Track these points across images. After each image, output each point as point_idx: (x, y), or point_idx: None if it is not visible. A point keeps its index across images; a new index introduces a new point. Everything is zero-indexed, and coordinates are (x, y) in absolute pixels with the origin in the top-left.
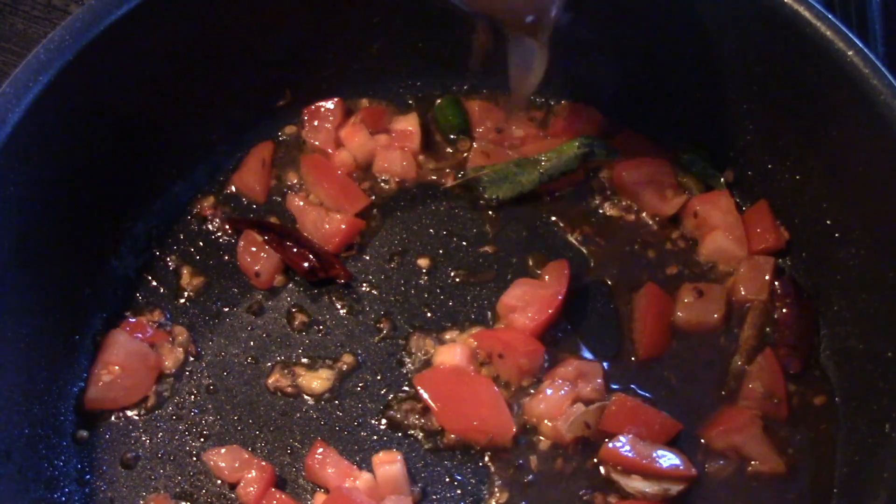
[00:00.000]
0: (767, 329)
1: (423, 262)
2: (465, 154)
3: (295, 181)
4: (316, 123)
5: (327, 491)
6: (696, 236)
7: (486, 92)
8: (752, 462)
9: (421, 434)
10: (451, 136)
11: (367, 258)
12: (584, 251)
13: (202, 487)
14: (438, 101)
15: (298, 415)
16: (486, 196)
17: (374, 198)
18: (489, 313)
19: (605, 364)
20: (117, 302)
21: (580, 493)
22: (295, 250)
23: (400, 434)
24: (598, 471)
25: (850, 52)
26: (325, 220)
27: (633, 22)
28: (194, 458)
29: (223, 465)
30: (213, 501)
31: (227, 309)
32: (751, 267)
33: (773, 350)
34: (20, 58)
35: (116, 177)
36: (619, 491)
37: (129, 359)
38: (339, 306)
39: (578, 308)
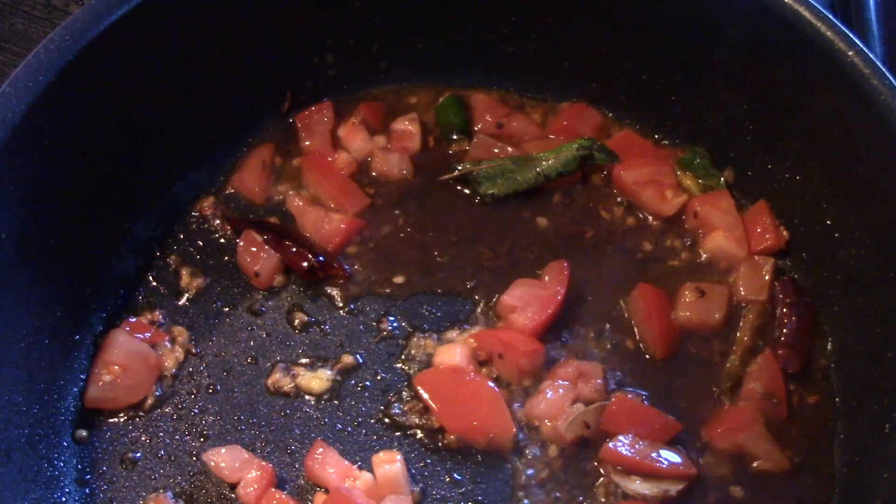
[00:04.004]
0: (766, 329)
1: (423, 263)
2: (465, 149)
3: (295, 181)
4: (310, 128)
5: (327, 491)
6: (696, 236)
7: (486, 84)
8: (756, 461)
9: (421, 434)
10: (453, 136)
11: (367, 258)
12: (584, 251)
13: (202, 487)
14: (441, 99)
15: (298, 415)
16: (481, 191)
17: (373, 198)
18: (489, 313)
19: (604, 364)
20: (117, 302)
21: (580, 493)
22: (294, 250)
23: (400, 434)
24: (598, 471)
25: (850, 53)
26: (325, 220)
27: (633, 22)
28: (194, 458)
29: (223, 465)
30: (213, 501)
31: (227, 309)
32: (751, 267)
33: (773, 350)
34: (20, 58)
35: (116, 177)
36: (619, 491)
37: (129, 359)
38: (339, 306)
39: (578, 308)
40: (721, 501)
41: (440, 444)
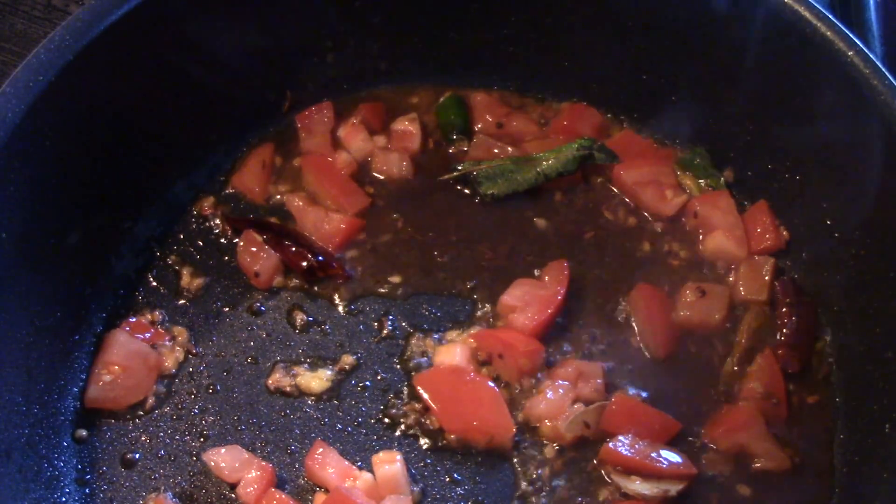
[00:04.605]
0: (766, 329)
1: (423, 262)
2: (465, 149)
3: (295, 182)
4: (310, 128)
5: (327, 491)
6: (696, 236)
7: (486, 84)
8: (758, 460)
9: (421, 434)
10: (453, 136)
11: (367, 258)
12: (584, 251)
13: (202, 487)
14: (441, 99)
15: (298, 415)
16: (481, 191)
17: (373, 198)
18: (489, 313)
19: (604, 364)
20: (117, 302)
21: (580, 493)
22: (294, 250)
23: (400, 434)
24: (598, 471)
25: (850, 53)
26: (324, 220)
27: (633, 22)
28: (194, 458)
29: (223, 465)
30: (213, 501)
31: (227, 309)
32: (751, 267)
33: (773, 350)
34: (20, 58)
35: (116, 177)
36: (619, 491)
37: (129, 359)
38: (339, 306)
39: (578, 308)
40: (722, 501)
41: (440, 444)
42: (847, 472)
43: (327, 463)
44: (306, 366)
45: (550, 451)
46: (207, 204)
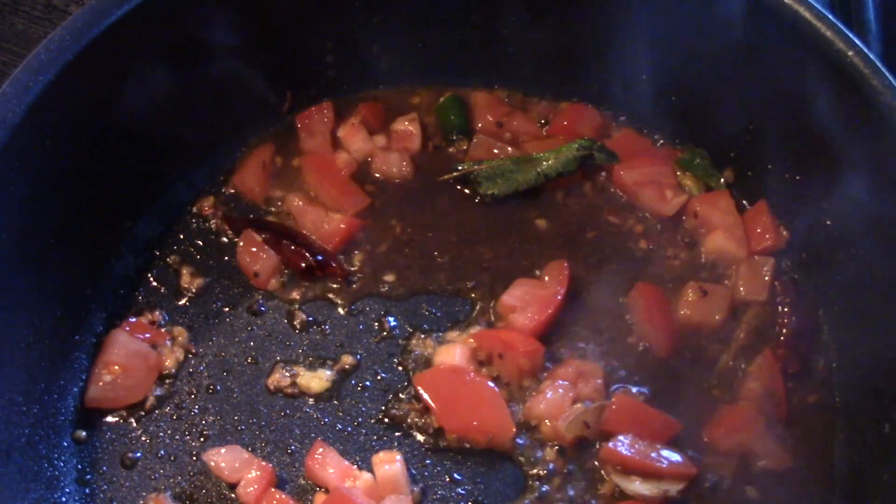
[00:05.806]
0: (766, 329)
1: (422, 262)
2: (465, 149)
3: (295, 181)
4: (310, 128)
5: (327, 491)
6: (696, 236)
7: (486, 84)
8: (758, 460)
9: (421, 434)
10: (453, 136)
11: (367, 258)
12: (584, 251)
13: (202, 487)
14: (441, 99)
15: (298, 415)
16: (481, 191)
17: (373, 198)
18: (489, 313)
19: (604, 364)
20: (117, 302)
21: (580, 493)
22: (293, 249)
23: (400, 434)
24: (599, 471)
25: (850, 53)
26: (324, 220)
27: (633, 22)
28: (194, 458)
29: (223, 465)
30: (213, 501)
31: (227, 309)
32: (751, 267)
33: (773, 350)
34: (20, 58)
35: (116, 177)
36: (619, 491)
37: (129, 359)
38: (338, 306)
39: (578, 308)
40: (723, 501)
41: (440, 444)
42: (847, 472)
43: (327, 463)
44: (306, 366)
45: (550, 451)
46: (207, 204)
